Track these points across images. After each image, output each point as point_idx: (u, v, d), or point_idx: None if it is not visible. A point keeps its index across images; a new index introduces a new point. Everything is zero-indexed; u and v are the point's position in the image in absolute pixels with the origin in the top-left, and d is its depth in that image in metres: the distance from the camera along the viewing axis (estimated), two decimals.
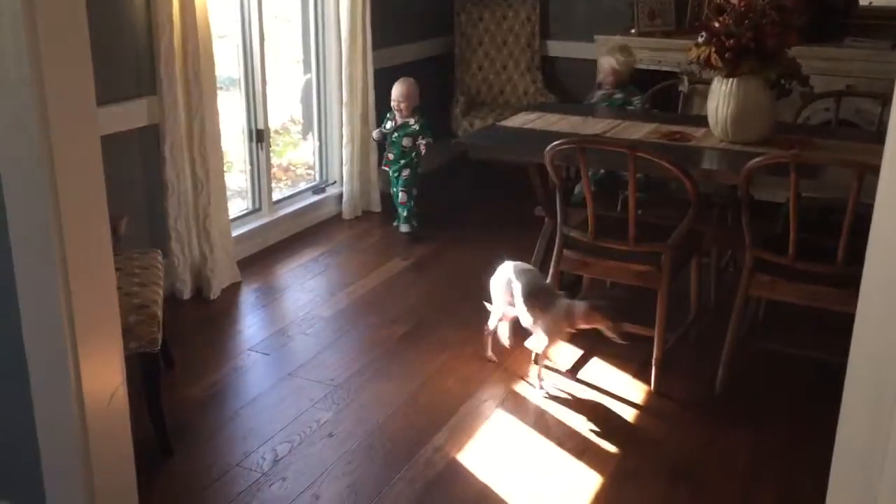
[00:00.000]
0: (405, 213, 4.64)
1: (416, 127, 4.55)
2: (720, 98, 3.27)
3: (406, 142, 4.56)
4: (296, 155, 5.74)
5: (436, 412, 2.96)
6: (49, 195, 1.87)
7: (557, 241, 3.20)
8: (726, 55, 3.14)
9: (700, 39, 3.27)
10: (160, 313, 2.64)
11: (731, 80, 3.22)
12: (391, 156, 4.64)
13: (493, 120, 5.33)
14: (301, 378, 3.18)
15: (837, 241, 2.77)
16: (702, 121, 3.71)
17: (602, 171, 3.77)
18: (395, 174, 4.64)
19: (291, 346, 3.42)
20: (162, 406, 2.69)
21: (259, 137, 4.34)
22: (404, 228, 4.65)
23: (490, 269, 3.24)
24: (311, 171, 5.09)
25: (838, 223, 2.78)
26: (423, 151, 4.55)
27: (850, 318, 1.40)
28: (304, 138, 5.42)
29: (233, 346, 3.45)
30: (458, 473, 2.64)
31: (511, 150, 3.42)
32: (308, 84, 4.89)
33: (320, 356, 3.32)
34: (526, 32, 5.71)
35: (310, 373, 3.22)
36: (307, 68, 4.86)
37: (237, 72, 4.30)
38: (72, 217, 1.91)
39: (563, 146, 2.98)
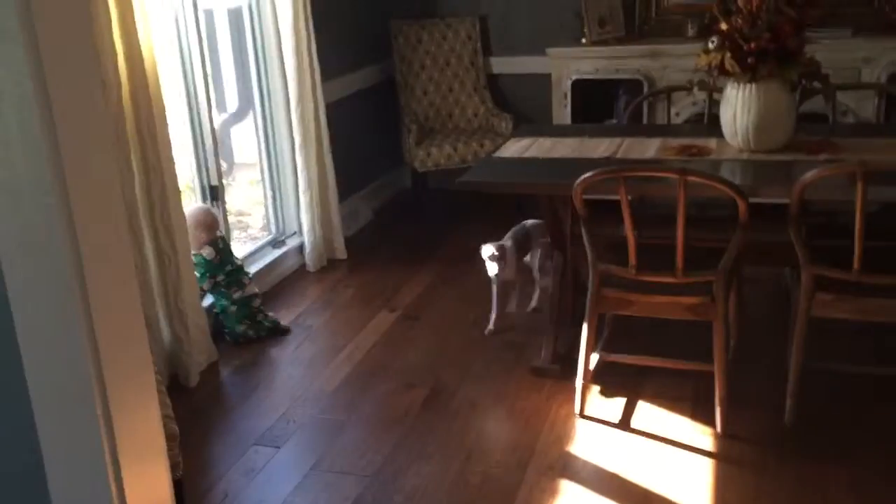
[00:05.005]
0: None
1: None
2: (738, 105, 3.04)
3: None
4: (245, 203, 5.28)
5: (493, 491, 2.60)
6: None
7: (592, 280, 2.89)
8: (748, 60, 2.92)
9: (711, 45, 3.04)
10: (176, 428, 2.19)
11: (748, 85, 3.00)
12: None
13: (449, 147, 5.02)
14: (326, 472, 2.76)
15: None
16: (703, 130, 3.51)
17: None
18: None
19: (302, 434, 2.98)
20: None
21: (214, 195, 3.88)
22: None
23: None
24: (266, 222, 4.64)
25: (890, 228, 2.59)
26: None
27: None
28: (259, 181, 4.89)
29: (234, 441, 2.97)
30: None
31: (523, 184, 3.11)
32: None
33: (339, 441, 2.91)
34: (468, 51, 5.41)
35: (334, 464, 2.79)
36: (253, 111, 4.42)
37: (183, 127, 3.81)
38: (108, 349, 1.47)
39: (600, 177, 2.67)
